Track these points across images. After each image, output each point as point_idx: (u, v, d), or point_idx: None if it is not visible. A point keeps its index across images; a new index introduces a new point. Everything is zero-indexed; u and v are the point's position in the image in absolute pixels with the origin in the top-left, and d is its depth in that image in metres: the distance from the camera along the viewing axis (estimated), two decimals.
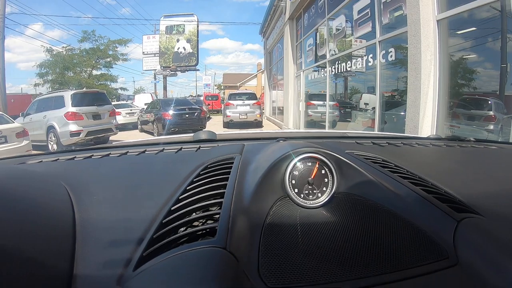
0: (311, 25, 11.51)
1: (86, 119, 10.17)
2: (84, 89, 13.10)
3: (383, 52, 6.50)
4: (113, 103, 13.69)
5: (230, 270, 0.46)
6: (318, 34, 10.94)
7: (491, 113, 4.46)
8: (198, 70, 28.93)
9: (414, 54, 5.01)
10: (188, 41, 25.49)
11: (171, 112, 13.06)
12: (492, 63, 4.53)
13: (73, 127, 9.84)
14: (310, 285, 0.50)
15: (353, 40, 8.19)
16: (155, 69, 26.37)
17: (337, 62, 9.10)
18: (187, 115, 13.39)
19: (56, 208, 0.61)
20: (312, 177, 0.74)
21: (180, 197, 0.67)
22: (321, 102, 10.63)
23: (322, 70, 10.45)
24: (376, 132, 5.62)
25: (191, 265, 0.46)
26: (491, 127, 4.48)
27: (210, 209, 0.63)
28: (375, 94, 6.80)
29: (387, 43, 6.44)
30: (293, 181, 0.75)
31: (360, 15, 7.62)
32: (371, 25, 7.07)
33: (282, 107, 15.56)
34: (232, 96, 16.79)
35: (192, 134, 1.43)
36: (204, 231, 0.55)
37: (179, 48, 25.50)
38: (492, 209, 0.66)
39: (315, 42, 11.23)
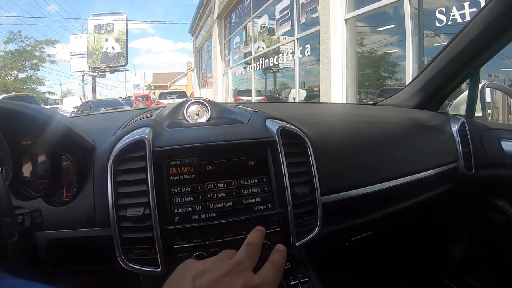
0: (238, 24, 11.87)
1: None
2: (14, 93, 12.10)
3: (301, 48, 7.05)
4: None
5: None
6: (244, 32, 11.32)
7: None
8: (127, 70, 27.58)
9: (325, 49, 5.57)
10: (117, 40, 24.19)
11: (102, 110, 12.43)
12: (398, 57, 5.08)
13: None
14: None
15: (275, 37, 8.69)
16: (84, 71, 24.57)
17: (261, 59, 9.56)
18: None
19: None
20: None
21: None
22: (249, 98, 11.01)
23: (248, 67, 10.85)
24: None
25: None
26: None
27: None
28: (304, 88, 7.34)
29: (304, 41, 7.00)
30: None
31: (282, 14, 8.14)
32: (290, 23, 7.60)
33: None
34: (163, 95, 16.59)
35: None
36: None
37: (107, 48, 24.04)
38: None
39: (242, 40, 11.61)
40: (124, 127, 0.77)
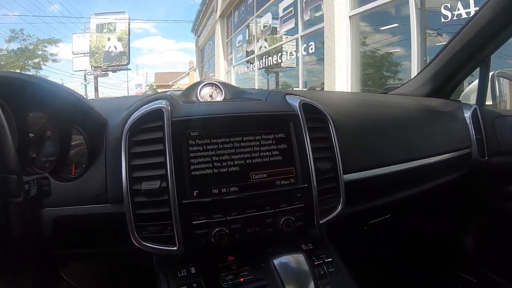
0: (241, 22, 11.85)
1: None
2: None
3: (304, 46, 7.05)
4: None
5: None
6: (247, 30, 11.31)
7: None
8: (129, 69, 27.48)
9: (329, 46, 5.56)
10: (119, 40, 24.09)
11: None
12: (401, 54, 5.02)
13: None
14: None
15: (278, 36, 8.68)
16: (86, 70, 24.54)
17: (264, 57, 9.55)
18: None
19: None
20: None
21: None
22: None
23: (251, 65, 10.84)
24: None
25: None
26: None
27: None
28: (306, 88, 7.32)
29: (308, 38, 6.99)
30: None
31: (285, 12, 8.12)
32: (294, 21, 7.59)
33: None
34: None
35: None
36: None
37: (110, 47, 23.90)
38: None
39: (245, 39, 11.59)
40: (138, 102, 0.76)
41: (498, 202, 1.18)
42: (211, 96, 0.84)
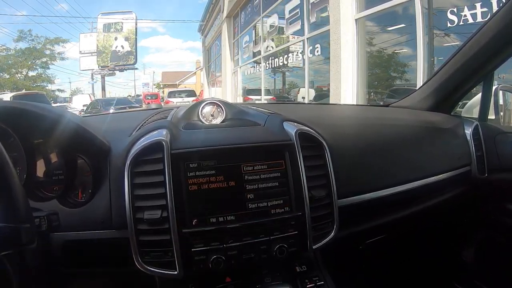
0: (248, 23, 11.86)
1: None
2: (23, 91, 12.33)
3: (310, 47, 7.04)
4: None
5: None
6: (254, 31, 11.31)
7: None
8: (136, 69, 27.72)
9: (335, 49, 5.54)
10: (126, 39, 24.31)
11: (112, 111, 12.51)
12: (408, 57, 4.96)
13: None
14: None
15: (285, 37, 8.68)
16: (93, 69, 24.78)
17: (271, 58, 9.56)
18: None
19: None
20: None
21: None
22: (258, 97, 11.01)
23: (258, 66, 10.85)
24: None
25: None
26: None
27: None
28: (313, 88, 7.32)
29: (314, 40, 6.98)
30: None
31: (291, 14, 8.12)
32: (300, 23, 7.58)
33: None
34: (172, 94, 16.58)
35: None
36: None
37: (117, 46, 24.16)
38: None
39: (251, 39, 11.61)
40: (139, 128, 0.78)
41: (497, 218, 1.17)
42: (212, 115, 0.86)
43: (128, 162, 0.61)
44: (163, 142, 0.62)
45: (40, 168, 0.67)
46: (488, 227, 1.24)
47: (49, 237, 0.64)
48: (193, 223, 0.61)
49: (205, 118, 0.85)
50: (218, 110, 0.87)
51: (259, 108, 0.91)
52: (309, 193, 0.67)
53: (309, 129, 0.74)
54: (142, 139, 0.65)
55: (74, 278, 0.77)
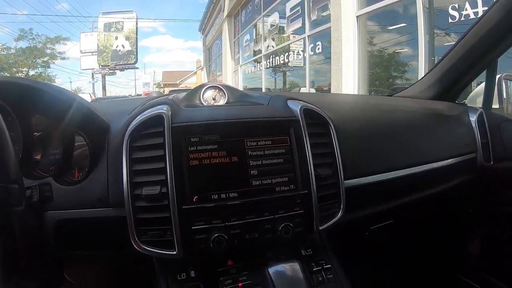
0: (248, 22, 11.86)
1: None
2: None
3: (311, 45, 7.03)
4: None
5: None
6: (254, 30, 11.31)
7: None
8: (137, 68, 27.79)
9: (336, 46, 5.54)
10: (127, 38, 24.33)
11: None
12: (409, 54, 4.99)
13: None
14: None
15: (285, 35, 8.67)
16: (93, 68, 24.80)
17: (271, 57, 9.55)
18: None
19: None
20: None
21: None
22: None
23: (259, 65, 10.85)
24: None
25: None
26: None
27: None
28: (313, 88, 7.31)
29: (315, 38, 6.97)
30: None
31: (292, 12, 8.11)
32: (301, 21, 7.58)
33: None
34: (172, 93, 16.58)
35: None
36: None
37: (117, 46, 24.18)
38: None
39: (252, 38, 11.60)
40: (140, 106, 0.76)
41: (503, 208, 1.16)
42: (214, 99, 0.84)
43: (127, 135, 0.60)
44: (164, 115, 0.60)
45: (37, 147, 0.65)
46: (493, 217, 1.22)
47: (42, 217, 0.62)
48: (194, 200, 0.59)
49: (206, 102, 0.83)
50: (220, 94, 0.85)
51: (262, 93, 0.90)
52: (315, 171, 0.65)
53: (314, 106, 0.72)
54: (143, 113, 0.63)
55: (69, 263, 0.75)
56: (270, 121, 0.67)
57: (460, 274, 1.26)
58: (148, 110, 0.63)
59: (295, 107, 0.69)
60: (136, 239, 0.57)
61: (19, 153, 0.62)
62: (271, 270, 0.62)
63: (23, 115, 0.62)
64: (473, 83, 1.44)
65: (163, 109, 0.62)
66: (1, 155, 0.42)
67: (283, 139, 0.66)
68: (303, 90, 7.85)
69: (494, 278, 1.17)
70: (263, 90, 10.32)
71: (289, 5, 8.29)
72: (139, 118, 0.61)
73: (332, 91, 5.68)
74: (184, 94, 0.86)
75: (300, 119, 0.67)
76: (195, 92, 0.84)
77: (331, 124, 0.71)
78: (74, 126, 0.65)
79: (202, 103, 0.82)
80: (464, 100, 1.37)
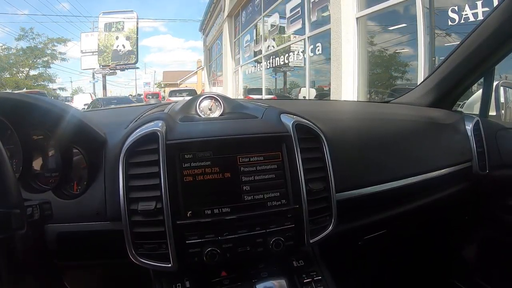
0: (249, 22, 11.87)
1: None
2: (25, 90, 12.36)
3: (311, 46, 7.04)
4: None
5: None
6: (255, 30, 11.32)
7: None
8: (138, 68, 27.81)
9: (336, 48, 5.54)
10: (128, 38, 24.34)
11: (112, 107, 12.55)
12: (409, 54, 5.01)
13: None
14: None
15: (286, 36, 8.68)
16: (94, 68, 24.81)
17: (272, 57, 9.56)
18: None
19: None
20: None
21: None
22: (259, 96, 11.01)
23: (259, 65, 10.86)
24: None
25: None
26: None
27: None
28: (314, 88, 7.33)
29: (315, 39, 6.98)
30: None
31: (292, 13, 8.12)
32: (301, 22, 7.58)
33: None
34: (173, 93, 16.57)
35: None
36: None
37: (118, 46, 24.18)
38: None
39: (252, 39, 11.61)
40: (136, 120, 0.77)
41: (498, 215, 1.16)
42: (210, 109, 0.85)
43: (123, 152, 0.61)
44: (158, 133, 0.61)
45: (37, 161, 0.67)
46: (489, 224, 1.23)
47: (43, 228, 0.64)
48: (188, 215, 0.60)
49: (202, 112, 0.84)
50: (216, 104, 0.86)
51: (258, 103, 0.91)
52: (307, 186, 0.66)
53: (306, 121, 0.73)
54: (138, 130, 0.64)
55: (68, 270, 0.76)
56: (263, 138, 0.68)
57: (454, 280, 1.26)
58: (144, 127, 0.65)
59: (288, 122, 0.70)
60: (133, 252, 0.59)
61: (19, 166, 0.64)
62: (261, 286, 0.63)
63: (21, 128, 0.63)
64: (473, 88, 1.44)
65: (158, 126, 0.63)
66: (2, 181, 0.43)
67: (275, 154, 0.67)
68: (303, 90, 7.87)
69: (488, 284, 1.17)
70: (264, 90, 10.33)
71: (289, 6, 8.30)
72: (135, 135, 0.62)
73: (332, 92, 5.68)
74: (180, 105, 0.86)
75: (292, 135, 0.67)
76: (191, 102, 0.84)
77: (323, 138, 0.71)
78: (69, 139, 0.66)
79: (198, 114, 0.82)
80: (463, 103, 1.37)
